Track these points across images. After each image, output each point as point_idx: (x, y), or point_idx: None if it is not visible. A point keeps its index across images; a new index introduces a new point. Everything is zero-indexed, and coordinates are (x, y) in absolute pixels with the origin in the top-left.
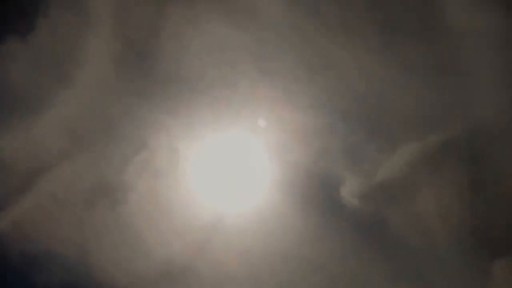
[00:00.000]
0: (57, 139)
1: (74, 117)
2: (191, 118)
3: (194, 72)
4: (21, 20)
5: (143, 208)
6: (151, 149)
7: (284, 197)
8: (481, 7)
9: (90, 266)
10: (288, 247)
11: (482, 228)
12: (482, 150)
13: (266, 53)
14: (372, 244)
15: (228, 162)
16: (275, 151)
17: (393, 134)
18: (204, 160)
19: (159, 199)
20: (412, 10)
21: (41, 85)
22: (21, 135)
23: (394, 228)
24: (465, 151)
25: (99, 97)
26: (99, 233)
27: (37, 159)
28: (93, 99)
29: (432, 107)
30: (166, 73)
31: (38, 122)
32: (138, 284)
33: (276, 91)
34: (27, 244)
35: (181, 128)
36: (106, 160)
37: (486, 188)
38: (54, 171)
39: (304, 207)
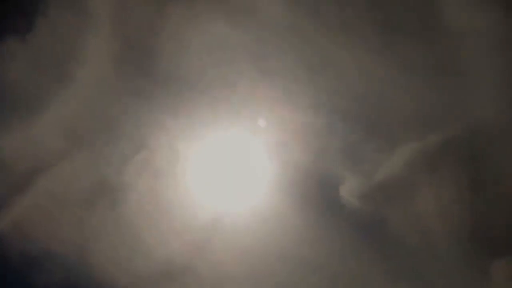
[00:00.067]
0: (56, 138)
1: (74, 117)
2: (191, 118)
3: (194, 72)
4: (20, 19)
5: (142, 208)
6: (151, 149)
7: (284, 197)
8: (481, 7)
9: (89, 266)
10: (287, 247)
11: (481, 228)
12: (482, 150)
13: (266, 53)
14: (371, 244)
15: (227, 162)
16: (275, 151)
17: (392, 134)
18: (204, 160)
19: (159, 199)
20: (411, 10)
21: (41, 84)
22: (20, 135)
23: (394, 228)
24: (464, 151)
25: (99, 97)
26: (98, 233)
27: (36, 158)
28: (93, 99)
29: (431, 107)
30: (165, 72)
31: (37, 122)
32: (138, 284)
33: (276, 91)
34: (27, 244)
35: (180, 128)
36: (105, 160)
37: (485, 188)
38: (53, 171)
39: (304, 207)
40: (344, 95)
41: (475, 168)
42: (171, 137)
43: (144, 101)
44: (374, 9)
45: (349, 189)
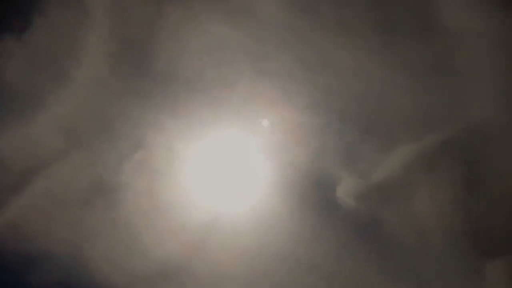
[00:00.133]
0: (53, 138)
1: (71, 116)
2: (189, 118)
3: (192, 72)
4: (17, 18)
5: (140, 208)
6: (149, 148)
7: (280, 197)
8: (480, 7)
9: (86, 266)
10: (284, 247)
11: (477, 228)
12: (481, 151)
13: (265, 53)
14: (368, 244)
15: (225, 162)
16: (272, 151)
17: (390, 134)
18: (201, 160)
19: (157, 198)
20: (411, 10)
21: (37, 83)
22: (17, 134)
23: (391, 229)
24: (463, 152)
25: (97, 96)
26: (95, 233)
27: (33, 158)
28: (91, 98)
29: (430, 107)
30: (163, 72)
31: (34, 121)
32: (135, 284)
33: (275, 91)
34: (23, 244)
35: (178, 128)
36: (102, 159)
37: (483, 188)
38: (50, 170)
39: (300, 207)
40: (342, 95)
41: (473, 168)
42: (169, 137)
43: (143, 100)
44: (373, 9)
45: (346, 189)
